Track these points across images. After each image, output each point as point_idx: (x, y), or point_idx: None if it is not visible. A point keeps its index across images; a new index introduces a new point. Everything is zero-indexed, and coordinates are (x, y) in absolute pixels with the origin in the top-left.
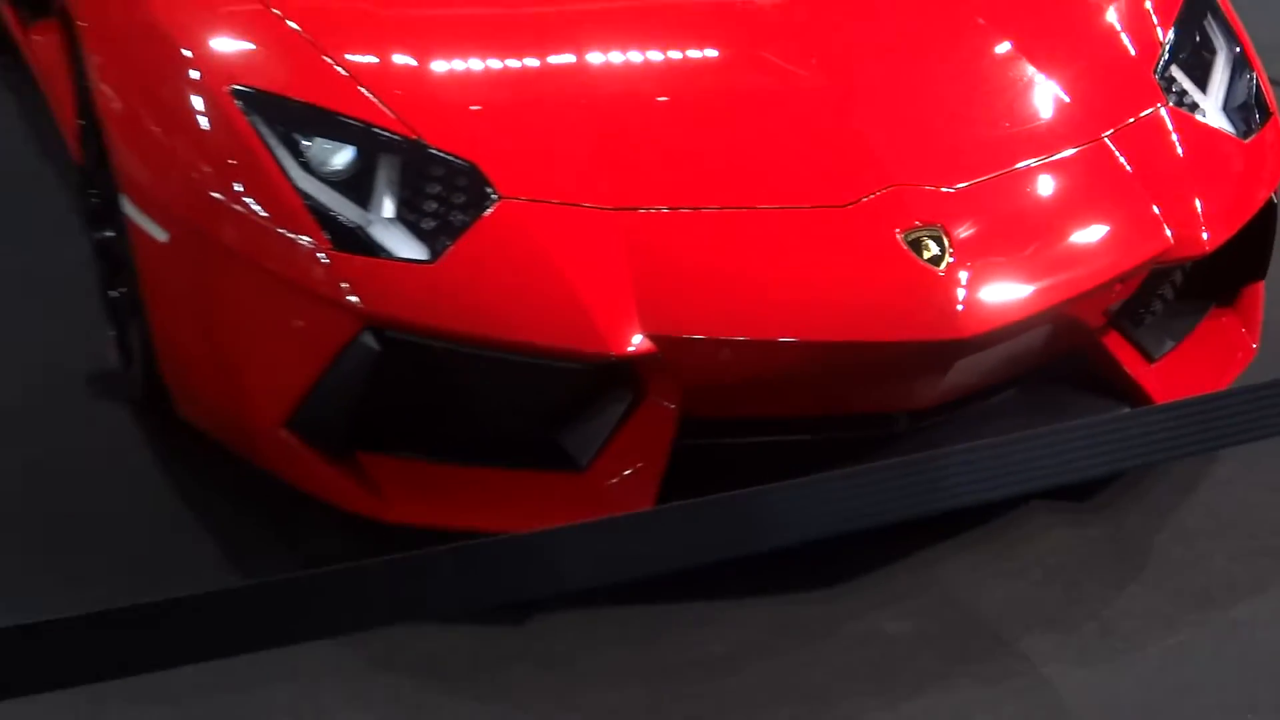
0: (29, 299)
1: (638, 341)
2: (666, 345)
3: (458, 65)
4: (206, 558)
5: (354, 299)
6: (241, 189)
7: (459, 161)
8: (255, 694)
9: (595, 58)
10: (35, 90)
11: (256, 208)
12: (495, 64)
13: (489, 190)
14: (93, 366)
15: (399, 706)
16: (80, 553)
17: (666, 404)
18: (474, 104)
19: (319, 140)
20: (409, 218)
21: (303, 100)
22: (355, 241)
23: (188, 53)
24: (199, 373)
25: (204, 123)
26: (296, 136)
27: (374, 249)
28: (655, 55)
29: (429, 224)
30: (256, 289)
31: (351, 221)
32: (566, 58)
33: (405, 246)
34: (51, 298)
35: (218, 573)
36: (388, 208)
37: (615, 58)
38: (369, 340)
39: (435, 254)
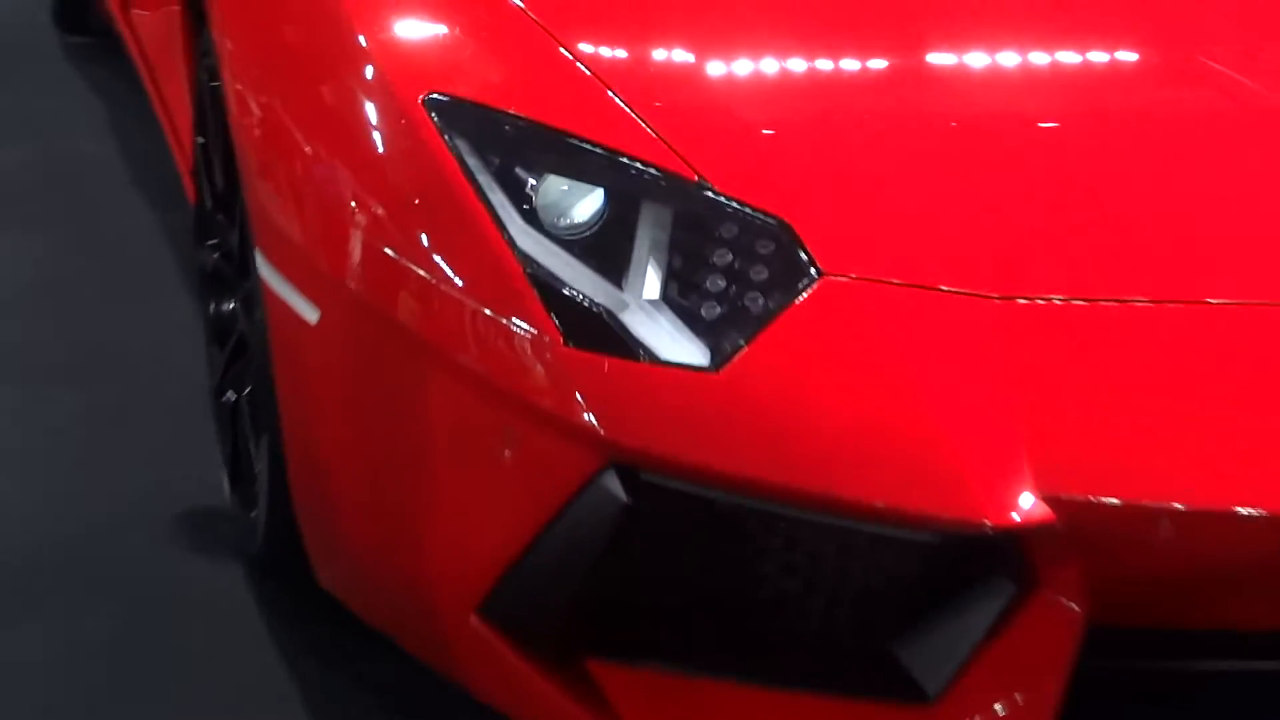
0: (105, 397)
1: (1028, 507)
2: (1073, 513)
3: (751, 67)
4: None
5: (592, 420)
6: (432, 247)
7: (761, 217)
8: None
9: (952, 59)
10: (137, 90)
11: (453, 276)
12: (807, 66)
13: (806, 262)
14: (192, 505)
15: None
16: None
17: (1067, 604)
18: (777, 127)
19: (551, 179)
20: (683, 301)
21: (531, 118)
22: (599, 334)
23: (364, 41)
24: (353, 522)
25: (382, 146)
26: (520, 172)
27: (627, 347)
28: (1039, 57)
29: (713, 311)
30: (446, 399)
31: (595, 303)
32: (909, 59)
33: (676, 345)
34: (140, 402)
35: None
36: (651, 284)
37: (980, 59)
38: (612, 485)
39: (721, 359)
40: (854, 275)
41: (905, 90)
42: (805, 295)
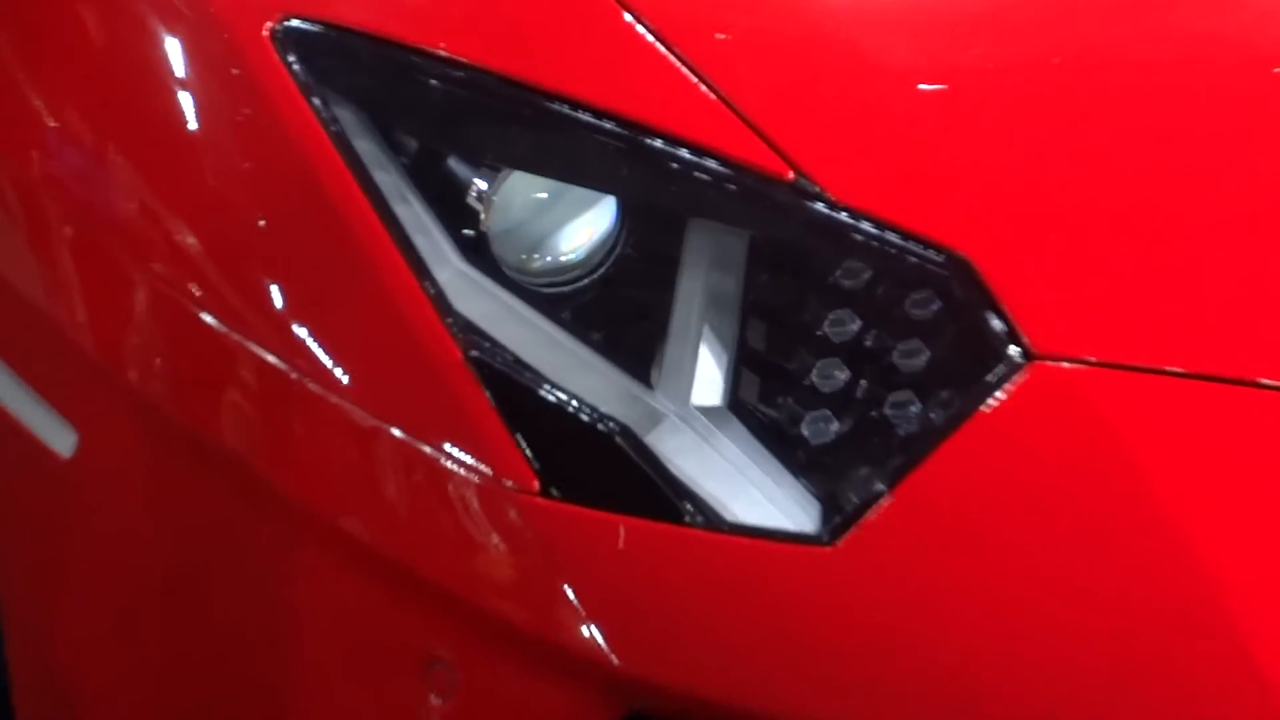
0: None
1: None
2: None
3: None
4: None
5: (597, 639)
6: (290, 311)
7: (919, 250)
8: None
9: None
10: None
11: (328, 364)
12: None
13: (1002, 334)
14: None
15: None
16: None
17: None
18: (938, 101)
19: (515, 180)
20: (769, 411)
21: (478, 63)
22: (607, 476)
23: None
24: None
25: (196, 122)
26: (456, 166)
27: (661, 498)
28: None
29: (825, 430)
30: (314, 595)
31: (600, 416)
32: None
33: (756, 494)
34: None
35: None
36: (708, 380)
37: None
38: None
39: (842, 520)
40: (1093, 359)
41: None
42: (1002, 396)
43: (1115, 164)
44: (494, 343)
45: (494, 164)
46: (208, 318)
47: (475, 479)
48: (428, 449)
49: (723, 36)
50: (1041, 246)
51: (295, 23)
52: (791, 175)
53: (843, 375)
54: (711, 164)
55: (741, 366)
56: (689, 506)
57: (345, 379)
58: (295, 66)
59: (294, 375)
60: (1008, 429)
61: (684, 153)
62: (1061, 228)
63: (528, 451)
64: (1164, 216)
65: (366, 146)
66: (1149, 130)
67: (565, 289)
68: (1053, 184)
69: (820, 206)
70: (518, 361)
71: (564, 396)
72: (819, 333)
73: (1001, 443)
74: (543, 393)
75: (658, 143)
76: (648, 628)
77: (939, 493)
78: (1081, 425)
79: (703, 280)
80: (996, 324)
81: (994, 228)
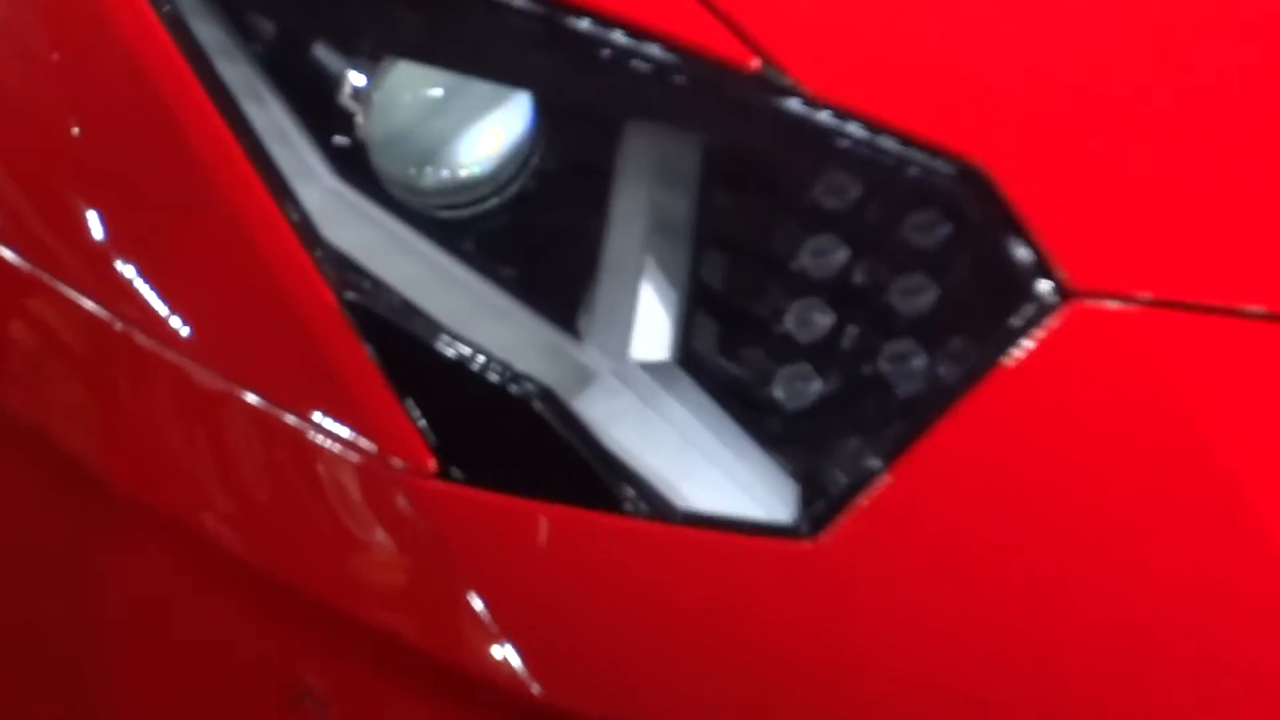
0: None
1: None
2: None
3: None
4: None
5: (512, 662)
6: (116, 248)
7: (923, 158)
8: None
9: None
10: None
11: (164, 312)
12: None
13: (1029, 265)
14: None
15: None
16: None
17: None
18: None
19: (401, 70)
20: (730, 367)
21: None
22: (523, 452)
23: None
24: None
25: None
26: (324, 57)
27: (592, 481)
28: None
29: (802, 391)
30: (151, 603)
31: (515, 375)
32: None
33: (715, 473)
34: None
35: None
36: (653, 327)
37: None
38: None
39: (826, 506)
40: (1147, 297)
41: None
42: (1030, 345)
43: (1175, 49)
44: (376, 282)
45: (374, 53)
46: (5, 251)
47: (353, 457)
48: (292, 419)
49: None
50: (1077, 154)
51: None
52: (757, 64)
53: (825, 320)
54: (654, 50)
55: (695, 310)
56: (629, 490)
57: (185, 330)
58: None
59: (118, 325)
60: (1038, 386)
61: (618, 36)
62: (1102, 131)
63: (420, 422)
64: (1234, 114)
65: (209, 32)
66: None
67: (466, 213)
68: (1090, 75)
69: (794, 104)
70: (407, 306)
71: (466, 351)
72: (794, 266)
73: (1030, 404)
74: (439, 346)
75: (584, 23)
76: (576, 647)
77: (950, 469)
78: (1133, 381)
79: (644, 200)
80: (1022, 252)
81: (1017, 130)
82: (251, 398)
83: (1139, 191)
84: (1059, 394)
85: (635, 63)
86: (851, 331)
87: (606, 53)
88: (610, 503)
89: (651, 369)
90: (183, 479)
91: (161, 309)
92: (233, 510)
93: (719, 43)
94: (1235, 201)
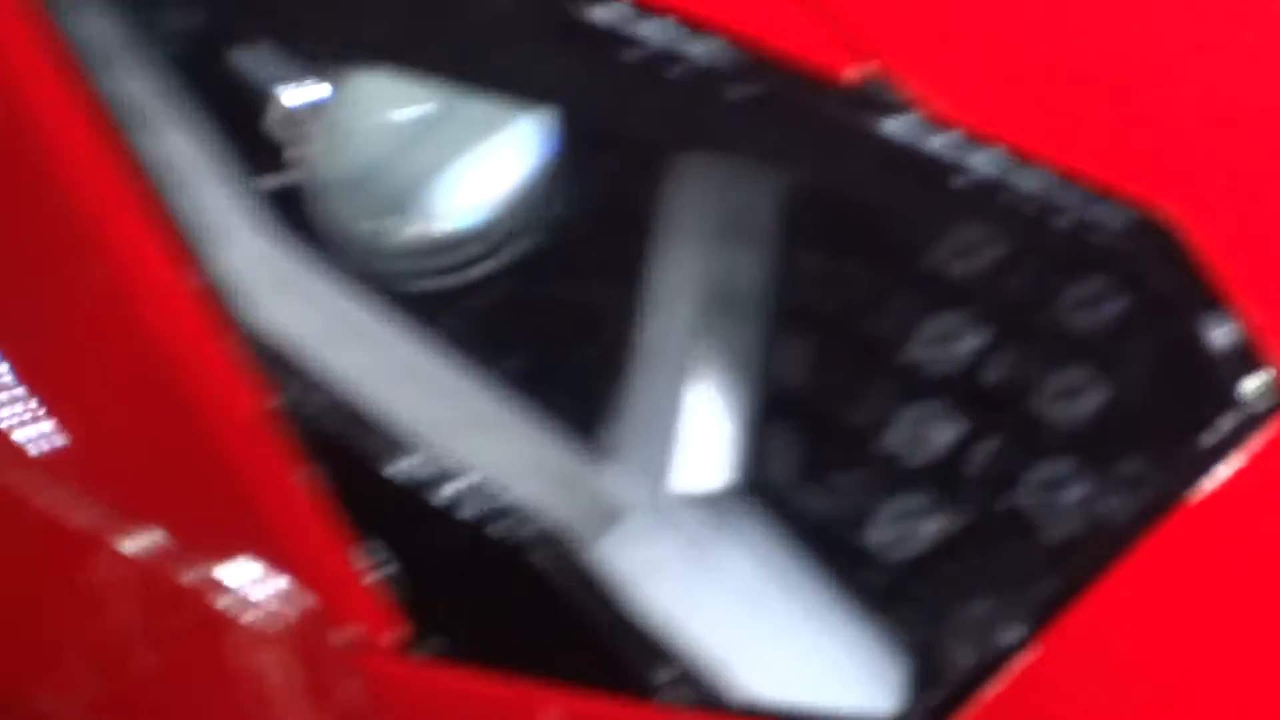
0: None
1: None
2: None
3: None
4: None
5: None
6: None
7: (1090, 210)
8: None
9: None
10: None
11: (22, 412)
12: None
13: (1240, 357)
14: None
15: None
16: None
17: None
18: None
19: (355, 86)
20: (818, 498)
21: None
22: (521, 622)
23: None
24: None
25: None
26: (248, 62)
27: (625, 665)
28: None
29: (911, 530)
30: None
31: (508, 510)
32: None
33: (791, 656)
34: None
35: None
36: (709, 444)
37: None
38: None
39: (932, 713)
40: None
41: None
42: (1237, 467)
43: None
44: (315, 380)
45: (320, 57)
46: None
47: (282, 624)
48: (209, 569)
49: None
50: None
51: None
52: (856, 72)
53: (948, 433)
54: (714, 51)
55: (767, 419)
56: (667, 671)
57: (58, 443)
58: None
59: None
60: (1242, 529)
61: (666, 31)
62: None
63: (378, 575)
64: None
65: (93, 29)
66: None
67: (447, 282)
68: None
69: (906, 127)
70: (358, 414)
71: (444, 476)
72: (906, 357)
73: (1230, 553)
74: (404, 469)
75: (616, 12)
76: None
77: (1118, 642)
78: None
79: (697, 265)
80: (1223, 336)
81: (1216, 170)
82: (154, 538)
83: None
84: (1270, 540)
85: (688, 69)
86: (984, 449)
87: (649, 55)
88: (642, 687)
89: (703, 502)
90: (65, 644)
91: (22, 411)
92: (126, 687)
93: (804, 43)
94: None
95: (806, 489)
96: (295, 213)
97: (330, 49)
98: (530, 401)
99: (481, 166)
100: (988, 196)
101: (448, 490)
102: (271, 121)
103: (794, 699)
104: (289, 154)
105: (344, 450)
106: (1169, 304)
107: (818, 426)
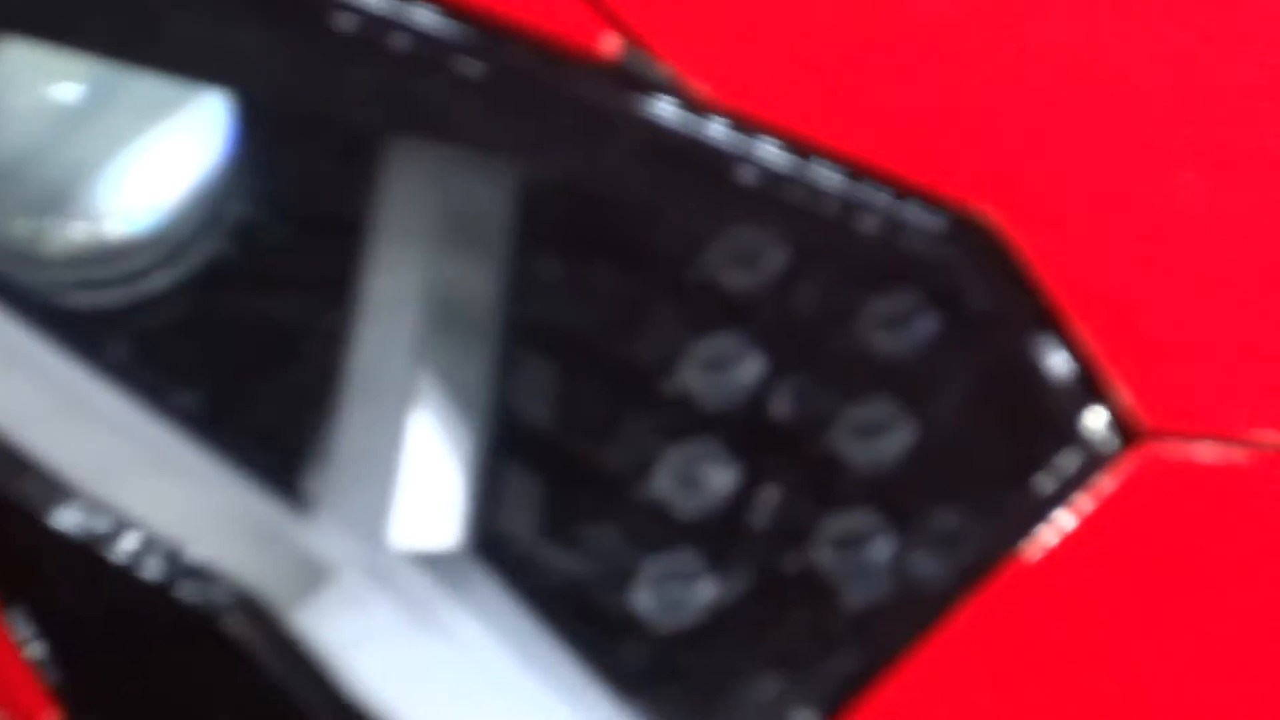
0: None
1: None
2: None
3: None
4: None
5: None
6: None
7: (920, 214)
8: None
9: None
10: None
11: None
12: None
13: (1077, 388)
14: None
15: None
16: None
17: None
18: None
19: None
20: (564, 559)
21: None
22: None
23: None
24: None
25: None
26: None
27: None
28: None
29: (679, 597)
30: None
31: (187, 570)
32: None
33: None
34: None
35: None
36: (434, 492)
37: None
38: None
39: None
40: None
41: None
42: (1067, 522)
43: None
44: None
45: None
46: None
47: None
48: None
49: None
50: (1125, 216)
51: None
52: (614, 46)
53: (724, 478)
54: (440, 22)
55: (505, 464)
56: None
57: None
58: None
59: None
60: (1075, 588)
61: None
62: (1159, 189)
63: (33, 649)
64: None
65: None
66: None
67: (113, 297)
68: (1139, 106)
69: (672, 110)
70: (7, 457)
71: (113, 530)
72: (675, 386)
73: (1061, 619)
74: (65, 522)
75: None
76: None
77: None
78: (1245, 556)
79: (419, 276)
80: (1059, 363)
81: (1043, 170)
82: None
83: (1211, 282)
84: (1117, 607)
85: (406, 40)
86: (768, 498)
87: (358, 23)
88: None
89: (427, 562)
90: None
91: None
92: None
93: (549, 11)
94: None
95: (553, 546)
96: None
97: None
98: (217, 441)
99: (154, 157)
100: (773, 193)
101: (114, 548)
102: None
103: None
104: None
105: None
106: (992, 323)
107: (565, 470)
